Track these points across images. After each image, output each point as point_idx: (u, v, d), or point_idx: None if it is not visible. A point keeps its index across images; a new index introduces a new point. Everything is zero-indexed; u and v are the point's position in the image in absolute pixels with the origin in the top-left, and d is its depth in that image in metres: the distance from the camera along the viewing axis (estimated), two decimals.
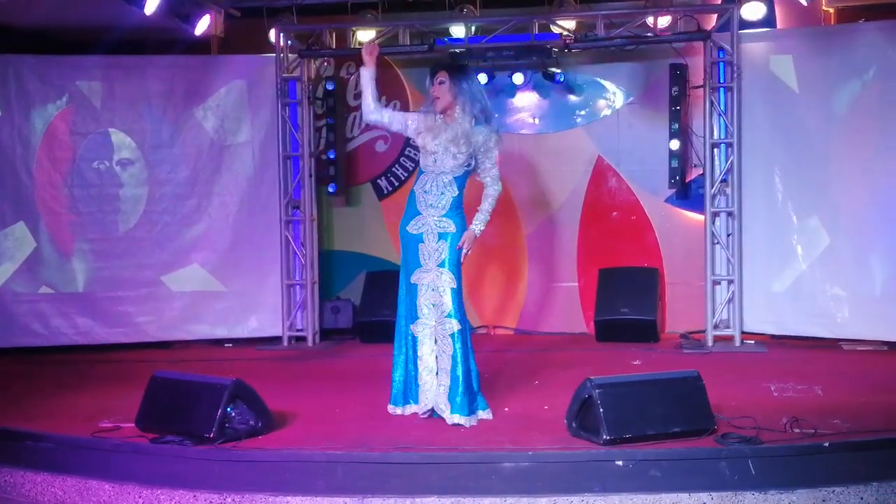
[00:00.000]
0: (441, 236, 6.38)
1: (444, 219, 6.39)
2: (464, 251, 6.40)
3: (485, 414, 6.40)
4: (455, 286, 6.36)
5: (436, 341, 6.38)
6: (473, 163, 6.42)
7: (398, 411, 6.59)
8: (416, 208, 6.46)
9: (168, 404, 6.09)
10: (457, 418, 6.26)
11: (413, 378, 6.49)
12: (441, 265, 6.37)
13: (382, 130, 10.64)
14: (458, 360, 6.30)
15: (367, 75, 6.48)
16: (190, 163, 10.16)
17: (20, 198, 9.90)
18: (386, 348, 9.44)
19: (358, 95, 10.67)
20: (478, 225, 6.39)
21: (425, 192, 6.43)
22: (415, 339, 6.45)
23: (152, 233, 10.11)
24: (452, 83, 6.38)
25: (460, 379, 6.29)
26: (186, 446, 5.77)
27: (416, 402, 6.49)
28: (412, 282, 6.46)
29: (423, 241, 6.42)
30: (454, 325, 6.33)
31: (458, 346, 6.32)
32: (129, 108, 10.06)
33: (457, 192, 6.41)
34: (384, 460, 5.50)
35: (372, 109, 6.51)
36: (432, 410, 6.41)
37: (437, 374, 6.37)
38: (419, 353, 6.43)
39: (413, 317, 6.45)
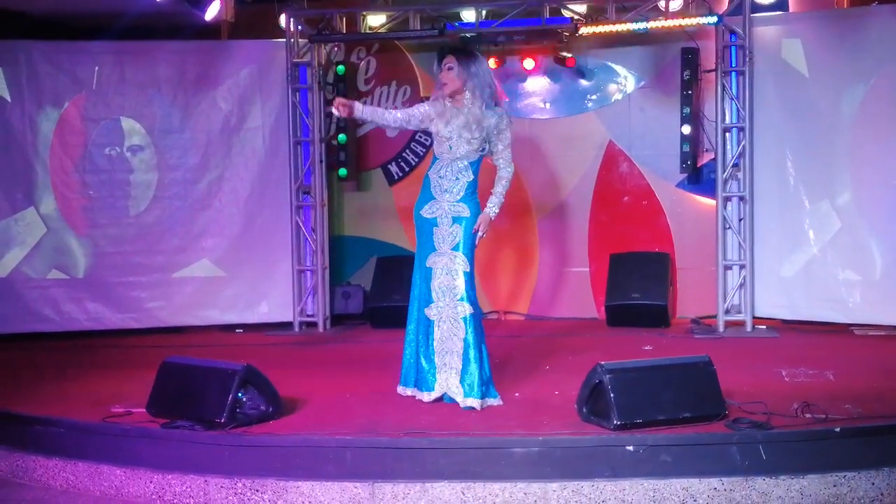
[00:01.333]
0: (455, 220, 6.38)
1: (458, 203, 6.38)
2: (479, 234, 6.41)
3: (494, 401, 6.38)
4: (468, 269, 6.37)
5: (448, 324, 6.37)
6: (487, 147, 6.43)
7: (407, 392, 6.60)
8: (431, 193, 6.45)
9: (179, 389, 6.10)
10: (470, 401, 6.26)
11: (423, 362, 6.48)
12: (455, 248, 6.38)
13: None
14: (471, 343, 6.32)
15: (359, 113, 6.49)
16: (200, 148, 10.17)
17: (31, 182, 9.91)
18: (397, 334, 9.43)
19: (368, 81, 10.78)
20: (492, 208, 6.40)
21: (440, 177, 6.43)
22: (429, 322, 6.45)
23: (163, 218, 10.13)
24: (461, 68, 6.34)
25: (473, 362, 6.30)
26: (197, 431, 5.78)
27: (422, 387, 6.49)
28: (427, 265, 6.46)
29: (437, 225, 6.42)
30: (467, 309, 6.34)
31: (470, 329, 6.33)
32: (140, 94, 10.07)
33: (472, 177, 6.41)
34: (394, 445, 5.50)
35: (391, 124, 6.71)
36: (441, 397, 6.42)
37: (448, 356, 6.37)
38: (434, 337, 6.43)
39: (428, 300, 6.45)
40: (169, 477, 5.64)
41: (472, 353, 6.31)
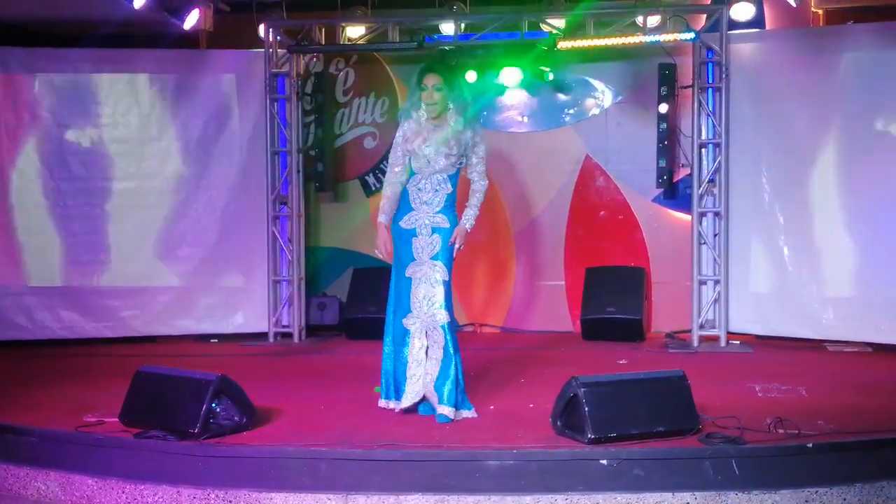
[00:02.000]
0: (435, 230, 6.43)
1: (438, 214, 6.43)
2: (456, 246, 6.46)
3: (469, 413, 6.41)
4: (447, 279, 6.42)
5: (426, 333, 6.40)
6: (464, 160, 6.49)
7: (390, 405, 6.57)
8: (410, 205, 6.47)
9: (153, 399, 6.08)
10: (445, 410, 6.30)
11: (401, 372, 6.49)
12: (434, 258, 6.42)
13: (371, 126, 10.71)
14: (450, 350, 6.37)
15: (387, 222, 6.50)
16: (178, 157, 10.14)
17: (5, 190, 9.85)
18: (372, 345, 9.42)
19: (347, 92, 10.78)
20: (468, 220, 6.46)
21: (419, 189, 6.46)
22: (405, 332, 6.47)
23: (139, 227, 10.07)
24: (447, 89, 6.38)
25: (451, 370, 6.35)
26: (170, 441, 5.75)
27: (397, 397, 6.50)
28: (407, 275, 6.48)
29: (416, 236, 6.45)
30: (444, 317, 6.39)
31: (448, 336, 6.38)
32: (118, 102, 10.03)
33: (451, 190, 6.47)
34: (368, 457, 5.49)
35: (401, 184, 6.51)
36: (417, 404, 6.43)
37: (425, 364, 6.39)
38: (410, 346, 6.44)
39: (406, 310, 6.47)
40: (141, 487, 5.61)
41: (451, 360, 6.37)
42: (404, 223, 6.49)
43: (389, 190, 6.51)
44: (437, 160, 6.39)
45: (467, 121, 6.43)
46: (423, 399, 6.45)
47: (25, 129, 9.88)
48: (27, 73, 9.88)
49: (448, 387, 6.33)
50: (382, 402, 6.63)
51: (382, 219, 6.50)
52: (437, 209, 6.43)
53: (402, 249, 6.50)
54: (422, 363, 6.40)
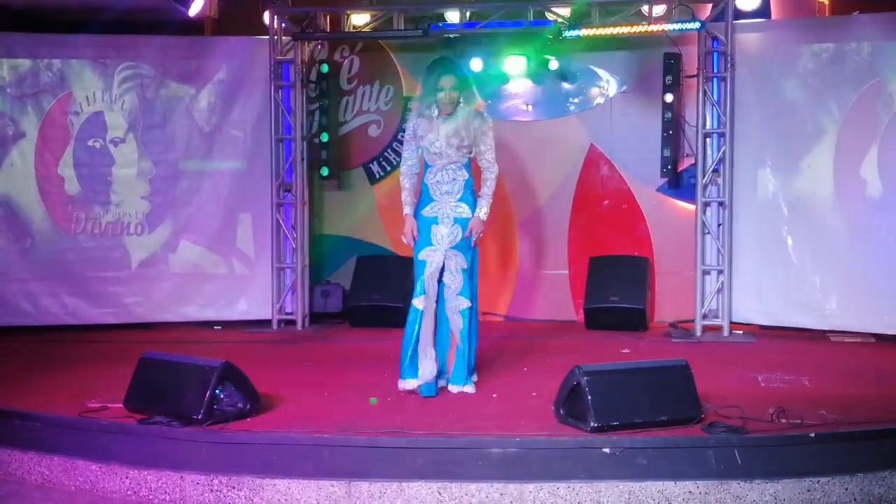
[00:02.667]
0: (456, 220, 6.76)
1: (459, 203, 6.77)
2: (473, 238, 6.79)
3: (470, 389, 6.80)
4: (466, 267, 6.77)
5: (447, 317, 6.77)
6: (474, 148, 6.80)
7: (407, 385, 6.82)
8: (431, 196, 6.80)
9: (156, 385, 6.10)
10: (456, 388, 6.74)
11: (411, 351, 6.79)
12: (455, 248, 6.75)
13: (376, 114, 10.71)
14: (465, 335, 6.74)
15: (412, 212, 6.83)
16: (182, 144, 10.14)
17: (11, 175, 9.85)
18: (376, 333, 9.54)
19: (351, 80, 10.78)
20: (482, 209, 6.78)
21: (437, 181, 6.78)
22: (418, 312, 6.75)
23: (143, 213, 10.08)
24: (461, 87, 6.73)
25: (465, 353, 6.75)
26: (174, 427, 5.77)
27: (416, 376, 6.75)
28: (420, 258, 6.79)
29: (437, 224, 6.76)
30: (464, 303, 6.75)
31: (466, 322, 6.74)
32: (122, 88, 10.02)
33: (468, 175, 6.81)
34: (371, 444, 5.51)
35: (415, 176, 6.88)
36: (426, 384, 6.68)
37: (437, 346, 6.74)
38: (421, 326, 6.72)
39: (419, 291, 6.76)
40: (145, 473, 5.64)
41: (465, 344, 6.75)
42: (426, 212, 6.80)
43: (407, 182, 6.85)
44: (449, 152, 6.71)
45: (475, 111, 6.76)
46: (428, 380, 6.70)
47: (30, 116, 9.87)
48: (32, 58, 9.86)
49: (463, 369, 6.76)
50: (401, 384, 6.86)
51: (407, 209, 6.80)
52: (458, 197, 6.77)
53: (420, 234, 6.80)
54: (430, 344, 6.68)
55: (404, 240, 6.84)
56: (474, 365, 6.92)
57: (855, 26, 9.15)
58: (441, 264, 6.73)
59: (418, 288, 6.75)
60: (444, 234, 6.74)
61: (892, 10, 9.08)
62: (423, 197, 6.85)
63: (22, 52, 9.85)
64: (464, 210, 6.76)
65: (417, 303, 6.75)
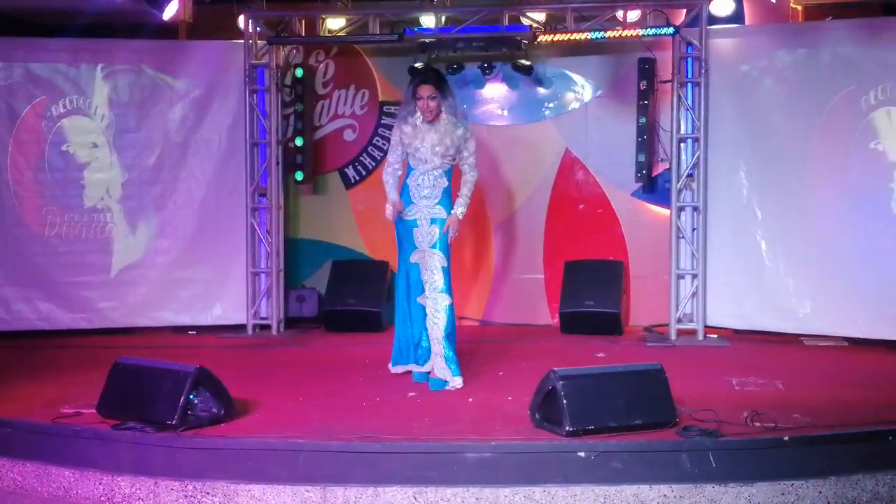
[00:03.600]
0: (433, 221, 7.16)
1: (436, 206, 7.16)
2: (450, 234, 7.15)
3: (460, 381, 7.15)
4: (445, 265, 7.17)
5: (430, 313, 7.18)
6: (458, 156, 7.19)
7: (399, 370, 7.44)
8: (410, 198, 7.18)
9: (130, 391, 6.07)
10: (457, 381, 7.10)
11: (413, 342, 7.31)
12: (433, 246, 7.16)
13: (351, 119, 10.72)
14: (449, 330, 7.14)
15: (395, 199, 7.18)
16: (156, 148, 10.10)
17: None
18: (351, 337, 9.53)
19: (326, 84, 10.79)
20: (459, 208, 7.17)
21: (418, 184, 7.17)
22: (422, 308, 7.21)
23: (117, 218, 10.03)
24: (441, 98, 7.09)
25: (450, 346, 7.13)
26: (148, 433, 5.75)
27: (409, 362, 7.38)
28: (412, 261, 7.22)
29: (417, 226, 7.17)
30: (446, 299, 7.16)
31: (448, 317, 7.14)
32: (96, 93, 9.97)
33: (447, 183, 7.20)
34: (346, 449, 5.51)
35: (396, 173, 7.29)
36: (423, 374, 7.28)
37: (433, 343, 7.19)
38: (428, 321, 7.20)
39: (419, 290, 7.22)
40: (119, 479, 5.61)
41: (449, 338, 7.15)
42: (406, 215, 7.18)
43: (390, 178, 7.27)
44: (433, 158, 7.10)
45: (458, 120, 7.15)
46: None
47: (2, 119, 9.79)
48: (4, 61, 9.79)
49: (451, 363, 7.13)
50: (393, 369, 7.48)
51: (392, 195, 7.18)
52: (436, 201, 7.15)
53: (404, 239, 7.24)
54: (435, 340, 7.15)
55: (387, 213, 7.18)
56: (457, 358, 7.22)
57: (828, 32, 9.21)
58: (425, 264, 7.15)
59: (420, 287, 7.19)
60: (423, 235, 7.16)
61: (864, 15, 9.15)
62: (403, 198, 7.20)
63: None
64: (439, 212, 7.15)
65: (423, 301, 7.19)
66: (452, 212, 7.13)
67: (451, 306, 7.19)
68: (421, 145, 7.09)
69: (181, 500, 5.48)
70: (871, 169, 8.88)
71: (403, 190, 7.22)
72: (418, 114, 7.12)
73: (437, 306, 7.14)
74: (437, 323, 7.13)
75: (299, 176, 10.47)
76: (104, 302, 10.02)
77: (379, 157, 10.57)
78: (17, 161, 9.84)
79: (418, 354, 7.32)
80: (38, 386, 7.31)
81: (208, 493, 5.45)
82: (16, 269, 9.85)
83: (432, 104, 7.06)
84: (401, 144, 7.19)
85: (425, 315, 7.22)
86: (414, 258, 7.20)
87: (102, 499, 5.62)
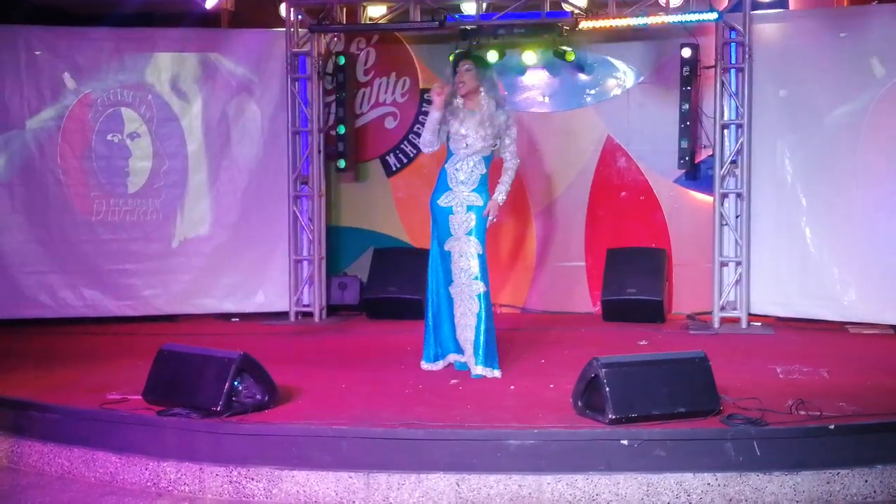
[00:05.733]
0: (470, 208, 7.08)
1: (472, 193, 7.08)
2: (490, 218, 7.08)
3: (497, 373, 7.04)
4: (481, 252, 7.09)
5: (464, 301, 7.08)
6: (498, 142, 7.12)
7: (431, 367, 7.28)
8: (448, 184, 7.13)
9: (175, 377, 6.11)
10: (480, 370, 6.98)
11: (448, 334, 7.22)
12: (469, 233, 7.08)
13: (392, 106, 10.73)
14: (482, 318, 7.02)
15: (435, 118, 7.04)
16: (199, 137, 10.17)
17: (29, 168, 9.89)
18: (392, 325, 9.56)
19: (367, 71, 10.78)
20: (500, 195, 7.12)
21: (456, 169, 7.10)
22: (451, 300, 7.14)
23: (160, 206, 10.12)
24: (478, 71, 7.10)
25: (483, 335, 7.00)
26: (193, 419, 5.78)
27: (444, 357, 7.28)
28: (446, 249, 7.14)
29: (453, 213, 7.11)
30: (480, 287, 7.05)
31: (483, 305, 7.03)
32: (139, 81, 10.05)
33: (485, 170, 7.12)
34: (389, 436, 5.51)
35: (428, 144, 7.16)
36: (452, 363, 7.25)
37: (464, 330, 7.09)
38: (455, 312, 7.13)
39: (450, 280, 7.15)
40: (164, 464, 5.65)
41: (483, 326, 7.01)
42: (442, 201, 7.13)
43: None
44: (475, 142, 7.03)
45: (499, 105, 7.10)
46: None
47: (48, 108, 9.90)
48: (50, 51, 9.90)
49: (482, 350, 7.00)
50: (423, 365, 7.31)
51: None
52: (473, 188, 7.08)
53: (440, 226, 7.17)
54: (466, 327, 7.05)
55: (433, 93, 7.09)
56: (495, 348, 7.11)
57: (874, 16, 9.11)
58: (461, 251, 7.07)
59: (450, 276, 7.13)
60: (459, 222, 7.09)
61: None
62: (440, 183, 7.17)
63: (40, 45, 9.88)
64: (476, 199, 7.08)
65: (453, 291, 7.12)
66: (493, 197, 7.07)
67: (487, 294, 7.08)
68: (461, 126, 7.03)
69: (226, 486, 5.52)
70: None
71: (441, 175, 7.18)
72: (459, 97, 7.07)
73: (471, 293, 7.05)
74: (471, 309, 7.05)
75: (341, 164, 10.51)
76: (149, 289, 10.12)
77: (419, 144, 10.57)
78: (65, 151, 9.94)
79: (448, 346, 7.27)
80: (84, 372, 7.38)
81: (252, 479, 5.48)
82: (61, 256, 9.97)
83: (466, 76, 7.04)
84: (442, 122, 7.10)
85: (452, 305, 7.17)
86: (448, 246, 7.14)
87: (148, 484, 5.67)
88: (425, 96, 10.61)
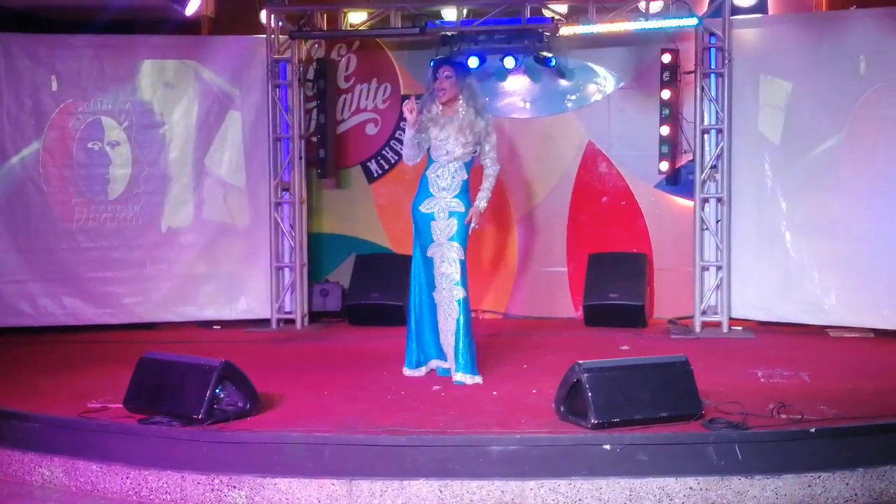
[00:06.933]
0: (451, 214, 7.10)
1: (454, 199, 7.11)
2: (472, 225, 7.12)
3: (479, 379, 7.04)
4: (462, 258, 7.11)
5: (444, 306, 7.12)
6: (478, 149, 7.16)
7: (413, 373, 7.32)
8: (429, 190, 7.16)
9: (156, 385, 6.09)
10: (459, 376, 6.99)
11: (430, 341, 7.26)
12: (451, 239, 7.10)
13: (373, 113, 10.72)
14: (462, 324, 7.04)
15: (410, 135, 7.10)
16: (179, 143, 10.13)
17: (7, 176, 9.84)
18: (375, 331, 9.54)
19: (348, 78, 10.77)
20: (482, 201, 7.15)
21: (437, 176, 7.14)
22: (434, 306, 7.19)
23: (141, 213, 10.08)
24: (458, 78, 7.13)
25: (464, 341, 7.03)
26: (175, 427, 5.77)
27: (426, 363, 7.33)
28: (429, 255, 7.17)
29: (434, 219, 7.13)
30: (460, 293, 7.07)
31: (462, 311, 7.05)
32: (120, 88, 10.01)
33: (466, 176, 7.15)
34: (372, 442, 5.51)
35: (411, 158, 7.23)
36: (435, 368, 7.31)
37: (444, 335, 7.14)
38: (439, 319, 7.17)
39: (432, 286, 7.18)
40: (145, 473, 5.63)
41: (463, 332, 7.03)
42: (424, 207, 7.17)
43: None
44: (455, 149, 7.06)
45: (478, 112, 7.12)
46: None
47: (27, 115, 9.86)
48: (30, 58, 9.85)
49: (462, 357, 7.02)
50: (406, 371, 7.36)
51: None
52: (454, 194, 7.11)
53: (422, 232, 7.21)
54: (448, 333, 7.08)
55: (405, 111, 7.06)
56: (475, 354, 7.12)
57: (852, 21, 9.14)
58: (442, 257, 7.10)
59: (433, 283, 7.15)
60: (441, 228, 7.11)
61: (888, 4, 9.07)
62: (421, 190, 7.20)
63: (20, 52, 9.83)
64: (458, 205, 7.09)
65: (436, 297, 7.15)
66: (475, 204, 7.10)
67: (466, 300, 7.09)
68: (440, 132, 7.06)
69: (208, 494, 5.50)
70: None
71: (422, 182, 7.21)
72: (438, 102, 7.11)
73: (451, 298, 7.07)
74: (450, 315, 7.07)
75: (322, 170, 10.48)
76: (129, 297, 10.07)
77: (401, 151, 10.55)
78: (45, 159, 9.89)
79: (441, 349, 7.27)
80: (64, 381, 7.35)
81: (234, 487, 5.47)
82: (41, 265, 9.91)
83: (446, 83, 7.07)
84: (421, 127, 7.12)
85: (435, 311, 7.21)
86: (430, 252, 7.16)
87: (129, 493, 5.65)
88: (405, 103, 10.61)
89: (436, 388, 6.95)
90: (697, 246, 9.55)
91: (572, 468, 5.37)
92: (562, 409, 5.87)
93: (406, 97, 10.37)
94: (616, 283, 9.75)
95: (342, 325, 10.25)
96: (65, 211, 9.95)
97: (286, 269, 10.29)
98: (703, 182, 9.53)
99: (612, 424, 5.56)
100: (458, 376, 7.00)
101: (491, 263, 10.55)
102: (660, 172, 9.90)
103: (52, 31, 10.11)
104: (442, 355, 7.24)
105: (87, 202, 9.98)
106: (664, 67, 9.69)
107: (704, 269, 9.60)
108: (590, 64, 10.36)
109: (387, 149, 10.77)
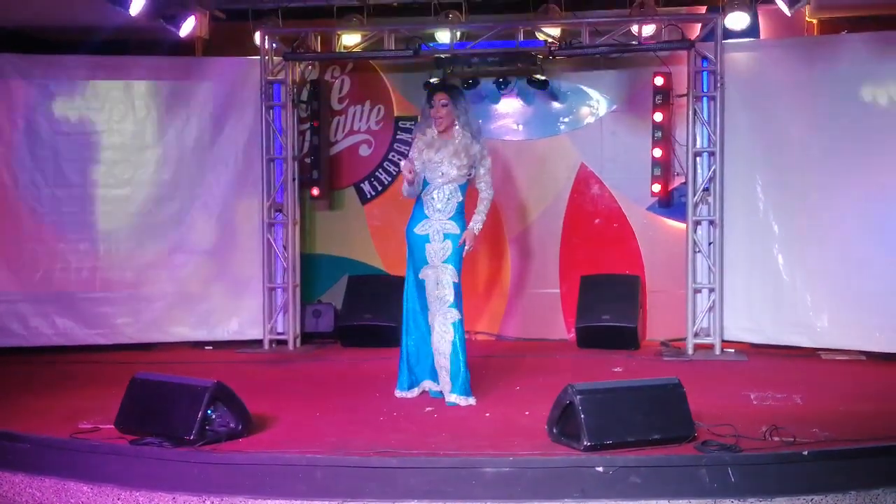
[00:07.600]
0: (446, 236, 7.12)
1: (449, 221, 7.14)
2: (466, 248, 7.12)
3: (473, 400, 7.06)
4: (457, 280, 7.12)
5: (438, 328, 7.09)
6: (473, 172, 7.18)
7: (405, 395, 7.32)
8: (424, 212, 7.19)
9: (148, 406, 6.07)
10: (453, 398, 7.02)
11: (423, 362, 7.29)
12: (446, 261, 7.10)
13: (366, 134, 10.74)
14: (458, 345, 7.04)
15: (410, 190, 7.13)
16: (173, 164, 10.14)
17: (2, 195, 9.83)
18: (367, 352, 9.53)
19: (342, 100, 10.80)
20: (476, 224, 7.17)
21: (432, 198, 7.15)
22: (427, 328, 7.19)
23: (133, 234, 10.07)
24: (454, 105, 7.17)
25: (460, 363, 7.03)
26: (166, 448, 5.75)
27: (418, 384, 7.34)
28: (421, 277, 7.17)
29: (429, 241, 7.14)
30: (455, 315, 7.09)
31: (457, 333, 7.05)
32: (113, 109, 10.02)
33: (461, 198, 7.19)
34: (363, 464, 5.49)
35: (413, 195, 7.21)
36: (427, 390, 7.33)
37: (438, 357, 7.11)
38: (432, 341, 7.14)
39: (425, 308, 7.20)
40: (137, 494, 5.59)
41: (459, 355, 7.03)
42: (419, 229, 7.18)
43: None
44: (450, 171, 7.09)
45: (474, 136, 7.18)
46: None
47: (20, 135, 9.87)
48: (23, 78, 9.86)
49: (457, 378, 7.02)
50: (398, 393, 7.35)
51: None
52: (449, 216, 7.13)
53: (416, 254, 7.20)
54: (441, 355, 7.05)
55: (404, 171, 7.01)
56: (469, 376, 7.11)
57: (843, 46, 9.20)
58: (437, 279, 7.08)
59: (426, 304, 7.16)
60: (436, 251, 7.11)
61: (879, 29, 9.14)
62: (416, 212, 7.22)
63: (14, 73, 9.84)
64: (452, 227, 7.12)
65: (430, 319, 7.14)
66: (469, 226, 7.12)
67: (461, 322, 7.11)
68: (436, 155, 7.09)
69: None
70: (890, 183, 8.86)
71: (417, 204, 7.22)
72: (433, 125, 7.17)
73: (445, 321, 7.07)
74: (444, 337, 7.05)
75: (315, 192, 10.49)
76: (120, 317, 10.05)
77: (395, 173, 10.59)
78: (33, 176, 9.89)
79: (434, 371, 7.26)
80: (55, 401, 7.33)
81: None
82: (33, 285, 9.88)
83: (443, 111, 7.12)
84: (418, 156, 7.14)
85: (428, 333, 7.20)
86: (423, 274, 7.16)
87: None
88: (400, 124, 10.66)
89: (428, 409, 6.94)
90: (690, 268, 9.56)
91: (565, 490, 5.35)
92: (554, 430, 5.87)
93: (400, 118, 10.47)
94: (609, 305, 9.76)
95: (335, 347, 10.23)
96: (55, 231, 9.92)
97: (279, 290, 10.28)
98: (696, 204, 9.56)
99: (605, 446, 5.56)
100: (452, 398, 7.01)
101: (484, 285, 10.56)
102: (652, 195, 9.94)
103: (47, 51, 10.12)
104: (434, 377, 7.23)
105: (79, 223, 9.97)
106: (657, 90, 9.74)
107: (697, 291, 9.61)
108: (582, 87, 10.41)
109: (380, 170, 10.79)
